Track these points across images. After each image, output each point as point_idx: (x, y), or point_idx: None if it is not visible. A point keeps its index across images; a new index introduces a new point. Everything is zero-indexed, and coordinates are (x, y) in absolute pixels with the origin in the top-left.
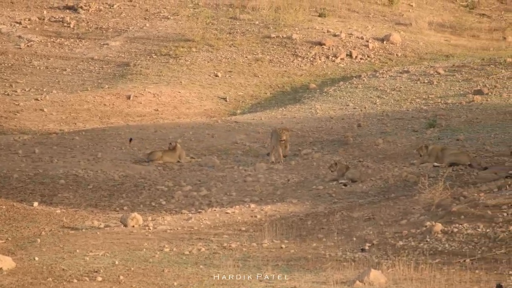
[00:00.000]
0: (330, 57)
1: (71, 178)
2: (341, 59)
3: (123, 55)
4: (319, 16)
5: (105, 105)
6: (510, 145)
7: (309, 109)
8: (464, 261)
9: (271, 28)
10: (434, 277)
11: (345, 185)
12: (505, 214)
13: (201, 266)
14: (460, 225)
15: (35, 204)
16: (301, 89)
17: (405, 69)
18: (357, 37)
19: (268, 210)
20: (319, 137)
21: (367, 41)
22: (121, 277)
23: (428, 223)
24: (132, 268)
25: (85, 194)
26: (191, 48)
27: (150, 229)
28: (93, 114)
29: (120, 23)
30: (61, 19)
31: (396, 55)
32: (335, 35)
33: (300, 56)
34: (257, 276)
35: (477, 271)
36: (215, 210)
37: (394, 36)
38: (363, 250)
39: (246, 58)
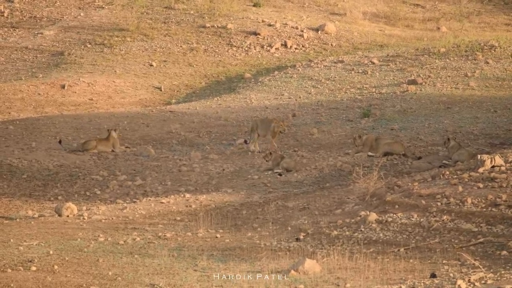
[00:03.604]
0: (265, 47)
1: (5, 168)
2: (276, 49)
3: (57, 44)
4: (254, 6)
5: (39, 94)
6: (444, 135)
7: (244, 98)
8: (398, 250)
9: (206, 18)
10: (369, 266)
11: (280, 174)
12: (438, 204)
13: (136, 256)
14: (394, 215)
15: None
16: (236, 78)
17: (340, 59)
18: (292, 27)
19: (203, 199)
20: None
21: (302, 31)
22: (56, 267)
23: (362, 213)
24: (67, 258)
25: (19, 183)
26: (126, 37)
27: (84, 219)
28: (27, 103)
29: (55, 12)
30: None
31: (331, 45)
32: (270, 25)
33: (235, 46)
34: (192, 266)
35: (411, 260)
36: (150, 199)
37: (328, 26)
38: (298, 239)
39: (181, 48)
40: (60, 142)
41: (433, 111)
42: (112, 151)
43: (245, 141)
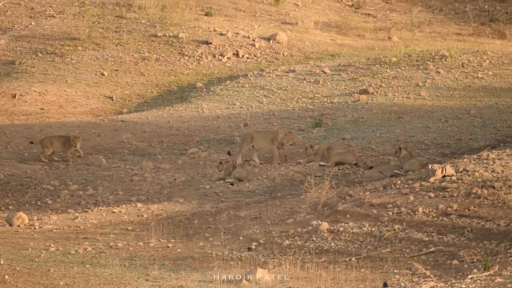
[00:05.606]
0: (217, 56)
1: None
2: (227, 58)
3: (8, 54)
4: (206, 15)
5: None
6: (395, 144)
7: (195, 108)
8: (350, 259)
9: (158, 27)
10: (320, 275)
11: (232, 184)
12: (390, 213)
13: (87, 266)
14: (346, 224)
15: None
16: (187, 88)
17: (291, 68)
18: (244, 36)
19: (155, 209)
20: (206, 136)
21: (254, 40)
22: (6, 277)
23: (314, 222)
24: (18, 268)
25: None
26: (77, 46)
27: (36, 229)
28: None
29: (5, 22)
30: None
31: (283, 54)
32: (221, 34)
33: (187, 55)
34: (144, 275)
35: (362, 270)
36: (101, 209)
37: (280, 36)
38: (249, 249)
39: (132, 57)
40: (31, 143)
41: (385, 121)
42: (63, 159)
43: (228, 152)
